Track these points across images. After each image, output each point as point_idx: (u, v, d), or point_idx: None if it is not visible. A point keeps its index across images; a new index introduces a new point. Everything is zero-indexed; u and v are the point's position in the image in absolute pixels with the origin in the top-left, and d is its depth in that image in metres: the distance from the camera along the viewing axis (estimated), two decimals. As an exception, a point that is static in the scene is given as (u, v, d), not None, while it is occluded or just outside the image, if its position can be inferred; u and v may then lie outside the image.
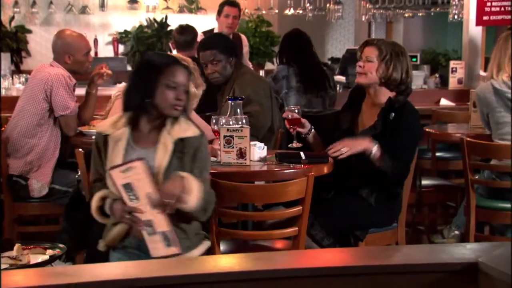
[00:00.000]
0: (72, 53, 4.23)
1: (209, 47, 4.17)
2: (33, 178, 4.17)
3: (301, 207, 3.09)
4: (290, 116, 3.50)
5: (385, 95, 3.48)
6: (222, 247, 3.15)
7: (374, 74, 3.44)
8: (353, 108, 3.61)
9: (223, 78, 4.18)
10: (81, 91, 4.48)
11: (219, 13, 5.96)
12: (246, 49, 6.23)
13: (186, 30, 5.45)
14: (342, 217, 3.38)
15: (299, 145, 3.51)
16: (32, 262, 3.00)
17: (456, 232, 4.23)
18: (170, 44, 5.65)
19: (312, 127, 3.57)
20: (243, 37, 6.34)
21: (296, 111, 3.52)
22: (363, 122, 3.54)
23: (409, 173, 3.52)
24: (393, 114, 3.43)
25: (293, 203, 3.14)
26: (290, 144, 3.53)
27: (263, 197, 3.16)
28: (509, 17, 6.41)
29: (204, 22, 8.15)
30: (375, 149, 3.34)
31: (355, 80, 3.54)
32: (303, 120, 3.53)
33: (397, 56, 3.45)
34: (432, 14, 7.94)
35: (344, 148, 3.33)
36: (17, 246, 3.09)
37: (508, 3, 6.39)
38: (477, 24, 6.54)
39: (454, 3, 6.85)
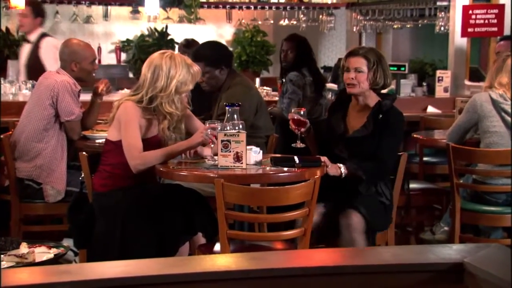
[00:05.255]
0: (78, 61, 4.22)
1: (196, 58, 4.15)
2: (47, 184, 4.14)
3: (307, 209, 3.07)
4: (296, 117, 3.49)
5: (373, 98, 3.53)
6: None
7: (365, 83, 3.48)
8: (341, 112, 3.62)
9: (210, 88, 4.21)
10: (85, 97, 4.48)
11: None
12: None
13: (192, 44, 5.55)
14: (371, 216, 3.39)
15: (302, 145, 3.51)
16: (37, 260, 2.99)
17: (446, 228, 4.24)
18: None
19: (311, 127, 3.56)
20: None
21: (302, 113, 3.50)
22: (352, 125, 3.57)
23: (388, 173, 3.54)
24: (381, 115, 3.48)
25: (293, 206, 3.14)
26: (294, 144, 3.51)
27: (273, 199, 3.13)
28: (492, 29, 6.43)
29: (203, 32, 8.16)
30: (343, 170, 3.39)
31: (347, 90, 3.54)
32: (308, 122, 3.52)
33: (380, 62, 3.49)
34: (419, 25, 7.95)
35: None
36: (23, 244, 3.08)
37: (492, 15, 6.41)
38: (462, 35, 6.56)
39: (440, 15, 6.86)
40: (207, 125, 3.44)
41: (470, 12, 6.44)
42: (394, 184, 3.58)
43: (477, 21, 6.41)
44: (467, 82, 6.69)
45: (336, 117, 3.63)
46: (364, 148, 3.47)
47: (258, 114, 4.20)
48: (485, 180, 4.01)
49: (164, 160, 3.38)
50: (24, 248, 3.04)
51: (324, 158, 3.38)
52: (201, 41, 5.81)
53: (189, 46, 5.58)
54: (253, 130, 4.03)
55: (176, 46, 8.16)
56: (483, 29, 6.43)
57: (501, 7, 6.45)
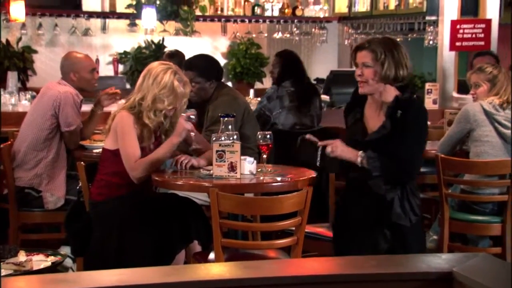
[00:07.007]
0: (76, 71, 4.23)
1: (189, 67, 4.10)
2: (47, 191, 4.13)
3: (300, 218, 3.05)
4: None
5: (390, 94, 3.19)
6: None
7: (375, 79, 3.15)
8: (357, 112, 3.30)
9: (198, 99, 4.12)
10: (86, 107, 4.47)
11: None
12: None
13: (175, 55, 5.55)
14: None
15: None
16: (35, 268, 2.97)
17: (435, 237, 4.23)
18: None
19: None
20: None
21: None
22: (370, 126, 3.25)
23: (412, 175, 3.25)
24: (399, 111, 3.14)
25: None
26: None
27: (267, 208, 3.11)
28: (479, 43, 6.46)
29: (199, 44, 8.16)
30: (359, 160, 3.14)
31: (359, 90, 3.23)
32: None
33: (391, 53, 3.15)
34: (409, 39, 7.97)
35: (334, 147, 3.14)
36: (21, 252, 3.05)
37: (479, 30, 6.43)
38: (451, 49, 6.59)
39: (429, 30, 6.89)
40: (184, 115, 3.41)
41: (458, 26, 6.47)
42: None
43: (465, 35, 6.44)
44: (455, 95, 6.71)
45: (353, 119, 3.29)
46: (386, 150, 3.11)
47: (245, 123, 4.14)
48: (472, 190, 4.01)
49: (156, 165, 3.35)
50: (22, 256, 3.02)
51: (334, 142, 3.14)
52: (195, 52, 5.81)
53: (172, 56, 5.55)
54: (241, 140, 3.99)
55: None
56: (471, 43, 6.45)
57: (488, 22, 6.48)
